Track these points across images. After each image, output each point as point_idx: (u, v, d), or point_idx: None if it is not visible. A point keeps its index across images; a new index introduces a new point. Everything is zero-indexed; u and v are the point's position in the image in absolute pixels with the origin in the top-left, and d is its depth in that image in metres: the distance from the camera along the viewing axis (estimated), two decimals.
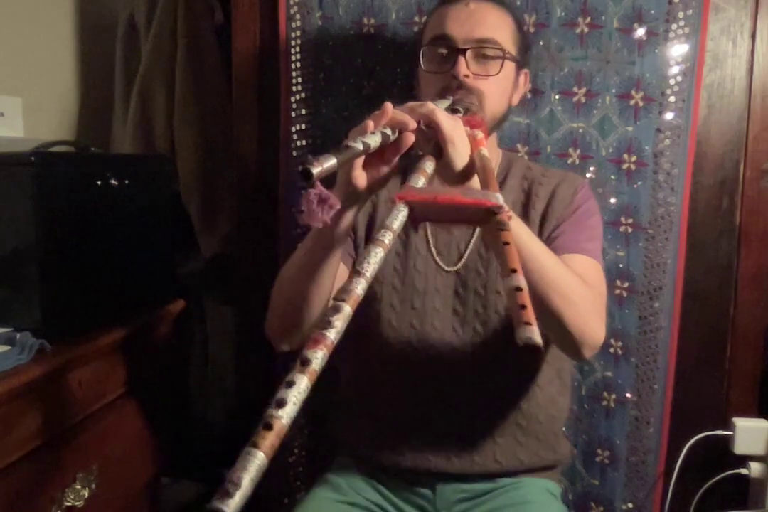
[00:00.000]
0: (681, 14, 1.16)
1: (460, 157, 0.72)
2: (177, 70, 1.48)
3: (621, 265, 1.22)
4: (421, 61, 0.99)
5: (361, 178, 0.72)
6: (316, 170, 0.54)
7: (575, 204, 1.00)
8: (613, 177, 1.21)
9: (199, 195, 1.51)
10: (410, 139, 0.70)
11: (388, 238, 0.51)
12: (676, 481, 1.22)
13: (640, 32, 1.17)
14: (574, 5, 1.18)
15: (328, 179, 0.59)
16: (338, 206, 0.60)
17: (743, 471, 1.24)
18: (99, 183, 1.08)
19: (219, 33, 1.52)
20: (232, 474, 0.32)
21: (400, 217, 0.54)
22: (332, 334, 0.41)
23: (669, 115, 1.18)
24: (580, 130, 1.21)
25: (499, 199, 0.57)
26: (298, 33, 1.25)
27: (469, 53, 0.94)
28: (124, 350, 1.10)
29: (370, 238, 1.03)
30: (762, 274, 1.23)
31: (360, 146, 0.62)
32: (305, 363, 0.38)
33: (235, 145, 1.33)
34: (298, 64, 1.26)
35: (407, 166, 0.78)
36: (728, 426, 1.24)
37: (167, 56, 1.48)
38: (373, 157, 0.71)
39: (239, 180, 1.33)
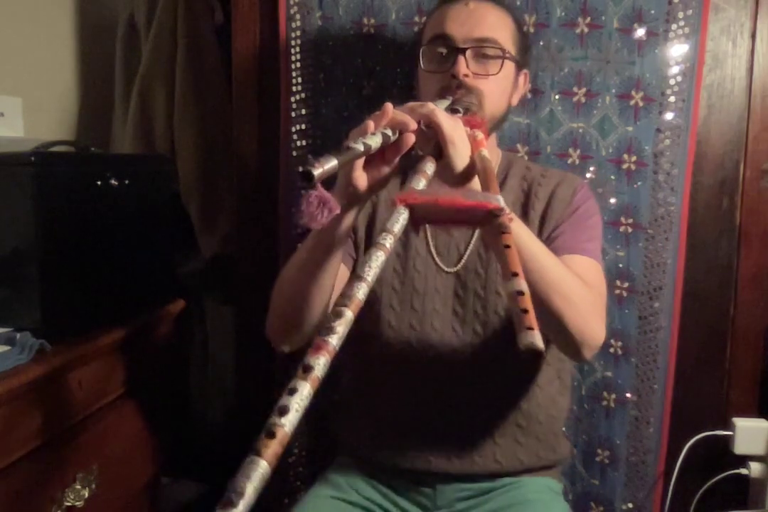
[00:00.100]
0: (681, 14, 1.16)
1: (460, 157, 0.72)
2: (177, 70, 1.48)
3: (621, 265, 1.21)
4: (421, 61, 0.99)
5: (361, 178, 0.72)
6: (317, 172, 0.54)
7: (575, 204, 1.00)
8: (613, 177, 1.21)
9: (199, 195, 1.51)
10: (410, 139, 0.70)
11: (389, 241, 0.51)
12: (676, 481, 1.22)
13: (640, 32, 1.17)
14: (574, 5, 1.18)
15: (328, 179, 0.59)
16: (338, 210, 0.60)
17: (743, 471, 1.24)
18: (99, 183, 1.08)
19: (219, 33, 1.52)
20: (235, 484, 0.32)
21: (401, 219, 0.54)
22: (334, 340, 0.40)
23: (669, 115, 1.18)
24: (580, 130, 1.21)
25: (500, 201, 0.57)
26: (298, 33, 1.25)
27: (468, 53, 0.94)
28: (124, 350, 1.10)
29: (370, 239, 1.03)
30: (762, 274, 1.23)
31: (361, 147, 0.62)
32: (307, 369, 0.38)
33: (235, 145, 1.33)
34: (298, 64, 1.26)
35: (407, 166, 0.78)
36: (728, 426, 1.24)
37: (167, 56, 1.48)
38: (373, 158, 0.71)
39: (239, 180, 1.33)
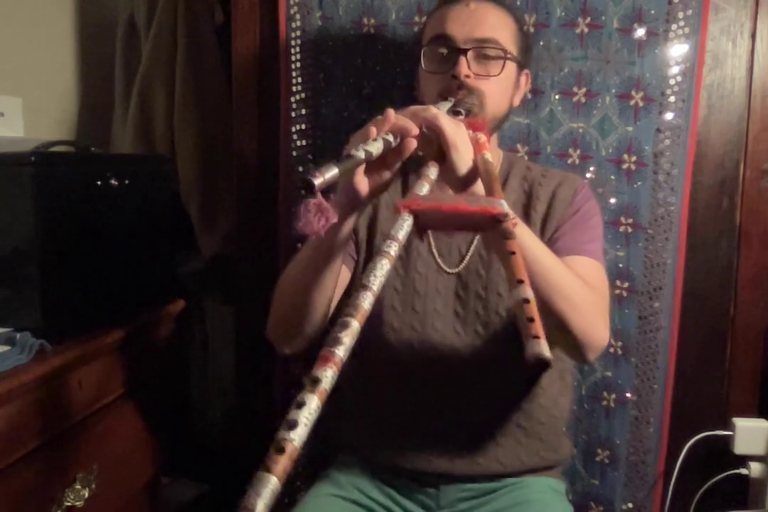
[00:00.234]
0: (681, 14, 1.16)
1: (463, 161, 0.72)
2: (177, 70, 1.48)
3: (621, 265, 1.22)
4: (422, 61, 0.98)
5: (362, 183, 0.72)
6: (317, 181, 0.54)
7: (576, 205, 1.00)
8: (613, 177, 1.21)
9: (199, 195, 1.51)
10: (412, 144, 0.69)
11: (393, 249, 0.50)
12: (676, 481, 1.22)
13: (640, 32, 1.17)
14: (574, 5, 1.18)
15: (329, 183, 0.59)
16: (335, 219, 0.60)
17: (743, 471, 1.24)
18: (99, 183, 1.08)
19: (219, 33, 1.52)
20: (246, 501, 0.32)
21: (405, 226, 0.54)
22: (341, 352, 0.40)
23: (669, 115, 1.18)
24: (580, 130, 1.21)
25: (503, 206, 0.56)
26: (298, 33, 1.25)
27: (470, 53, 0.94)
28: (124, 350, 1.10)
29: (371, 239, 1.03)
30: (762, 274, 1.23)
31: (362, 154, 0.61)
32: (315, 382, 0.38)
33: (235, 145, 1.33)
34: (298, 64, 1.26)
35: (407, 168, 0.78)
36: (728, 426, 1.24)
37: (167, 56, 1.48)
38: (374, 163, 0.71)
39: (239, 180, 1.33)
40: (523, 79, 1.04)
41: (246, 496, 0.32)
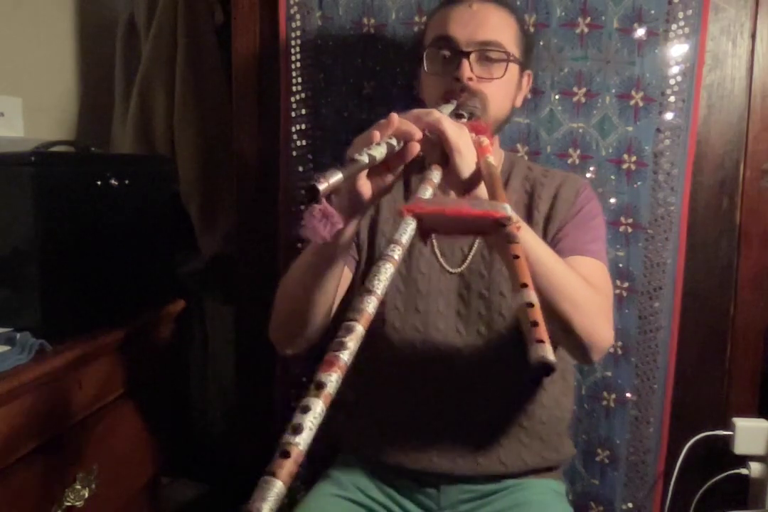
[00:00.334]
0: (681, 14, 1.16)
1: (467, 165, 0.72)
2: (177, 70, 1.48)
3: (621, 265, 1.22)
4: (424, 63, 0.98)
5: (365, 187, 0.72)
6: (322, 186, 0.54)
7: (578, 205, 1.00)
8: (613, 177, 1.21)
9: (199, 195, 1.51)
10: (415, 148, 0.69)
11: (397, 253, 0.50)
12: (676, 481, 1.22)
13: (640, 32, 1.17)
14: (574, 5, 1.18)
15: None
16: (341, 225, 0.60)
17: (743, 471, 1.24)
18: (99, 183, 1.08)
19: (219, 33, 1.52)
20: (251, 505, 0.32)
21: (408, 230, 0.54)
22: (345, 356, 0.40)
23: (669, 115, 1.18)
24: (580, 130, 1.21)
25: (507, 209, 0.56)
26: (298, 33, 1.25)
27: (472, 56, 0.93)
28: (124, 350, 1.10)
29: (372, 240, 1.03)
30: (762, 274, 1.23)
31: (366, 159, 0.61)
32: (320, 386, 0.38)
33: (235, 145, 1.33)
34: (298, 64, 1.26)
35: (408, 168, 0.78)
36: (728, 426, 1.24)
37: (167, 56, 1.48)
38: (377, 166, 0.70)
39: (239, 180, 1.33)
40: (525, 79, 1.03)
41: (251, 501, 0.32)
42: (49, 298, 0.98)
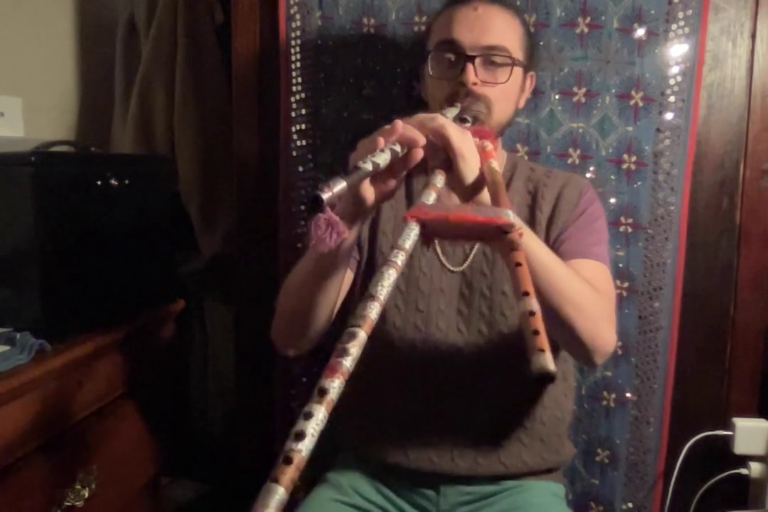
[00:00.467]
0: (681, 14, 1.16)
1: (470, 170, 0.72)
2: (177, 70, 1.48)
3: (621, 265, 1.22)
4: (429, 66, 0.98)
5: (368, 192, 0.72)
6: (326, 196, 0.54)
7: (581, 207, 1.00)
8: (613, 177, 1.21)
9: (199, 195, 1.51)
10: (419, 154, 0.69)
11: (400, 258, 0.50)
12: (676, 481, 1.22)
13: (640, 32, 1.17)
14: (574, 5, 1.18)
15: None
16: (346, 234, 0.60)
17: (743, 471, 1.24)
18: (99, 183, 1.08)
19: (219, 33, 1.52)
20: (254, 511, 0.32)
21: (412, 235, 0.54)
22: (348, 362, 0.40)
23: (669, 115, 1.18)
24: (580, 130, 1.21)
25: (510, 216, 0.56)
26: (298, 33, 1.25)
27: (477, 60, 0.93)
28: (124, 350, 1.10)
29: (373, 240, 1.03)
30: (762, 274, 1.23)
31: (370, 166, 0.61)
32: (322, 393, 0.38)
33: (235, 145, 1.33)
34: (298, 64, 1.26)
35: (410, 172, 0.78)
36: (728, 426, 1.24)
37: (167, 56, 1.48)
38: (380, 172, 0.70)
39: (239, 180, 1.33)
40: (528, 81, 1.03)
41: (254, 507, 0.32)
42: (49, 298, 0.98)
